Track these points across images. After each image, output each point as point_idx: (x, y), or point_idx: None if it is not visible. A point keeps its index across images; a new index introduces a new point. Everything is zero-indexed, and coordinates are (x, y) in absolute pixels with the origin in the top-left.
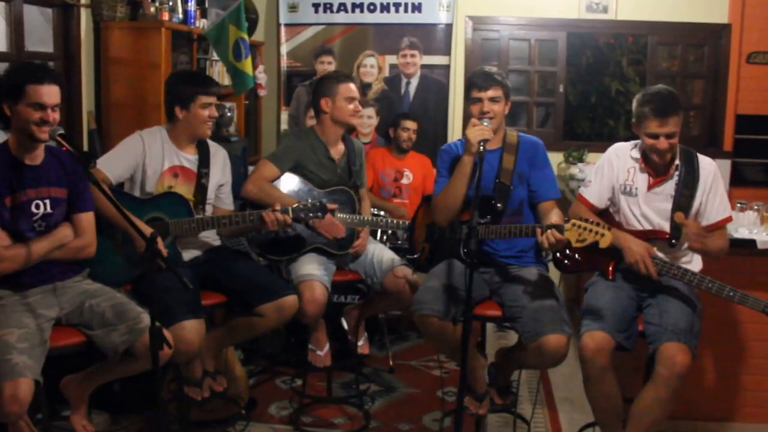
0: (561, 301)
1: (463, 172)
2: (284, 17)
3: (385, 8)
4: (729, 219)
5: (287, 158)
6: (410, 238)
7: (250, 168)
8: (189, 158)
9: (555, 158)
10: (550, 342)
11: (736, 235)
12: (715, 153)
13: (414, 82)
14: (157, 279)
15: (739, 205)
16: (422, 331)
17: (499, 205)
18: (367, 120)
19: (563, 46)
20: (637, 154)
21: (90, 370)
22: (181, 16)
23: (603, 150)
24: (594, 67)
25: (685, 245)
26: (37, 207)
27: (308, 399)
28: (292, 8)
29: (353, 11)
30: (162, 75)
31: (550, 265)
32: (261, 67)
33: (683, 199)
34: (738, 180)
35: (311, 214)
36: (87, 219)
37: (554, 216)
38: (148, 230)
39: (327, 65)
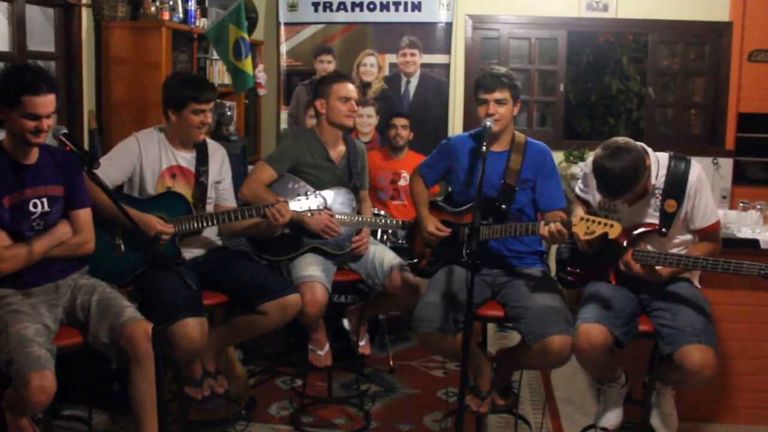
0: (564, 302)
1: (419, 211)
2: (284, 16)
3: (384, 7)
4: (717, 224)
5: (284, 160)
6: (410, 244)
7: (250, 167)
8: (186, 157)
9: (555, 157)
10: (555, 343)
11: (739, 235)
12: (717, 152)
13: (414, 81)
14: (158, 278)
15: (741, 204)
16: (423, 345)
17: (503, 206)
18: (367, 119)
19: (563, 44)
20: None
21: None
22: (181, 15)
23: None
24: (594, 65)
25: (679, 245)
26: (35, 206)
27: (308, 399)
28: (292, 7)
29: (353, 10)
30: (162, 74)
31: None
32: (261, 66)
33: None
34: (740, 179)
35: (309, 205)
36: (84, 215)
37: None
38: (153, 224)
39: (327, 64)
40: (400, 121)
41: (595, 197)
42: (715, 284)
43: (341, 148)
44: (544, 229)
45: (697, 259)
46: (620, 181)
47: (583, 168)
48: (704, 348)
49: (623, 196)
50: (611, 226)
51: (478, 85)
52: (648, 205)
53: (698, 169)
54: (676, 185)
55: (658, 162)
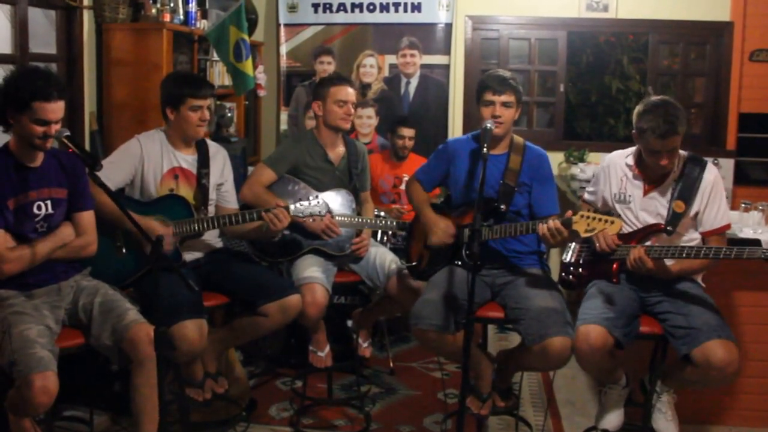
0: (564, 303)
1: (421, 214)
2: (284, 17)
3: (384, 8)
4: (728, 227)
5: (284, 161)
6: (407, 247)
7: (250, 168)
8: (188, 159)
9: (555, 158)
10: (555, 344)
11: (741, 235)
12: (718, 152)
13: (414, 82)
14: (159, 280)
15: (743, 205)
16: (421, 343)
17: (502, 206)
18: (367, 120)
19: (563, 45)
20: (631, 161)
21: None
22: (182, 17)
23: (604, 149)
24: (594, 65)
25: (686, 238)
26: (39, 208)
27: (309, 401)
28: (292, 8)
29: (353, 11)
30: (163, 76)
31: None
32: (260, 68)
33: (677, 208)
34: (742, 179)
35: (310, 211)
36: (87, 218)
37: None
38: (155, 228)
39: (326, 65)
40: (408, 132)
41: (611, 189)
42: (719, 286)
43: (341, 149)
44: (543, 227)
45: (699, 249)
46: (670, 117)
47: (584, 169)
48: (726, 342)
49: (674, 135)
50: (611, 222)
51: (485, 86)
52: (662, 195)
53: (714, 172)
54: (688, 187)
55: (679, 156)
